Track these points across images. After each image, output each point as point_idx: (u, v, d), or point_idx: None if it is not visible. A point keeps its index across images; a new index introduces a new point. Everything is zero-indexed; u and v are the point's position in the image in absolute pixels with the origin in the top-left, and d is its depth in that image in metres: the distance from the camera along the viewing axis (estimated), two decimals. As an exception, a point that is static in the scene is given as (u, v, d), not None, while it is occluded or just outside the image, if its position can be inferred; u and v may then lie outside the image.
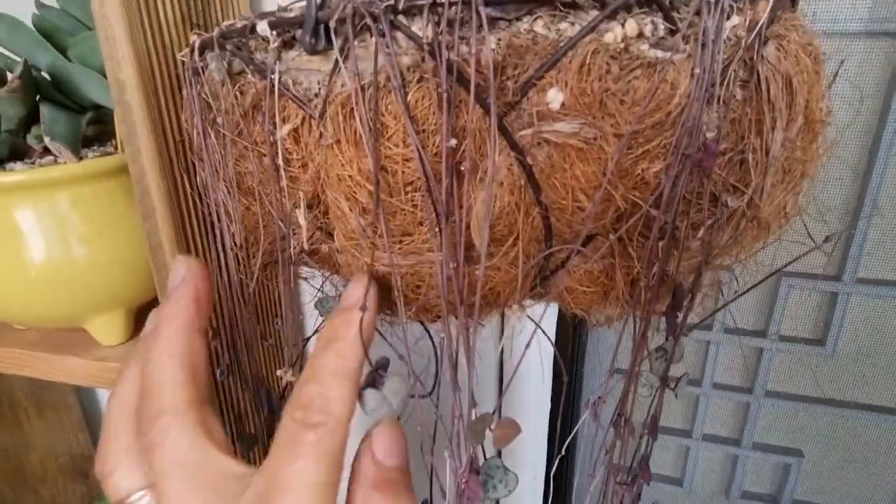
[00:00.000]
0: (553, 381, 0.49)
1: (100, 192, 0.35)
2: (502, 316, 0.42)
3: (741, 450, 0.64)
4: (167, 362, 0.18)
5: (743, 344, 0.59)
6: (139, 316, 0.41)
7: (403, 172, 0.21)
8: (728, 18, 0.20)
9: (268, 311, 0.43)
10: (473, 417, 0.22)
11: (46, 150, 0.38)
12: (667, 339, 0.24)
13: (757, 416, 0.62)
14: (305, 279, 0.32)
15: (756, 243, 0.24)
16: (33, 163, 0.37)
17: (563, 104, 0.19)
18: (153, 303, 0.41)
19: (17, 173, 0.33)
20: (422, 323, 0.29)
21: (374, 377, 0.23)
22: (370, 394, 0.23)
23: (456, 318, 0.24)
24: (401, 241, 0.23)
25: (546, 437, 0.51)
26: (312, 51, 0.21)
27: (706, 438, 0.66)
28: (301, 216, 0.25)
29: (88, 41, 0.36)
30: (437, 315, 0.27)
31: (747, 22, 0.20)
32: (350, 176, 0.21)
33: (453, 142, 0.20)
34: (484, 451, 0.24)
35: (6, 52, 0.38)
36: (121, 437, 0.18)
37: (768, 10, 0.20)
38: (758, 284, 0.26)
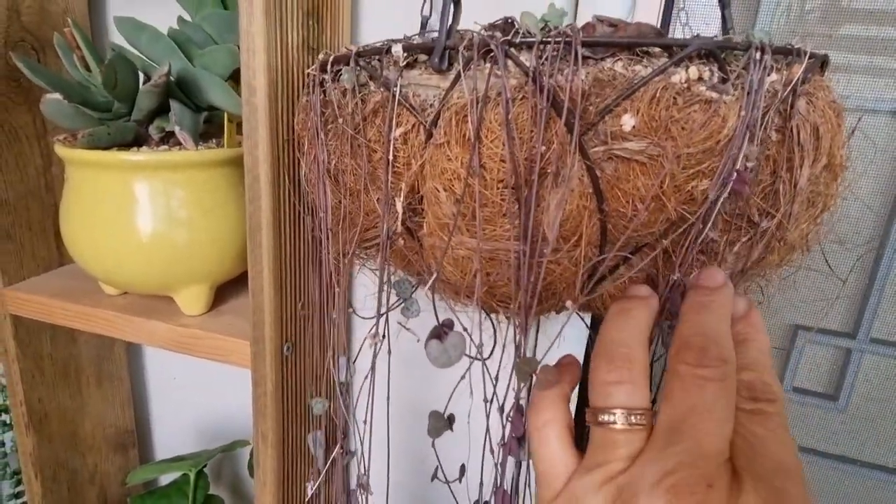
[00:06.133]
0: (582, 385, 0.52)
1: (208, 178, 0.41)
2: (538, 322, 0.46)
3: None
4: (727, 327, 0.22)
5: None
6: (219, 292, 0.46)
7: (498, 170, 0.26)
8: (769, 74, 0.25)
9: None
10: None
11: (162, 140, 0.44)
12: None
13: (768, 466, 0.64)
14: (370, 268, 0.37)
15: (781, 263, 0.29)
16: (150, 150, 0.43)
17: (633, 127, 0.24)
18: (235, 281, 0.46)
19: (147, 154, 0.39)
20: (483, 309, 0.33)
21: (439, 331, 0.28)
22: (434, 344, 0.28)
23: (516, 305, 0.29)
24: (484, 230, 0.28)
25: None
26: (438, 69, 0.26)
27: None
28: (399, 203, 0.30)
29: (214, 53, 0.43)
30: (500, 300, 0.31)
31: (784, 79, 0.25)
32: (453, 170, 0.26)
33: (542, 148, 0.25)
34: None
35: (143, 56, 0.45)
36: (643, 359, 0.22)
37: (801, 71, 0.25)
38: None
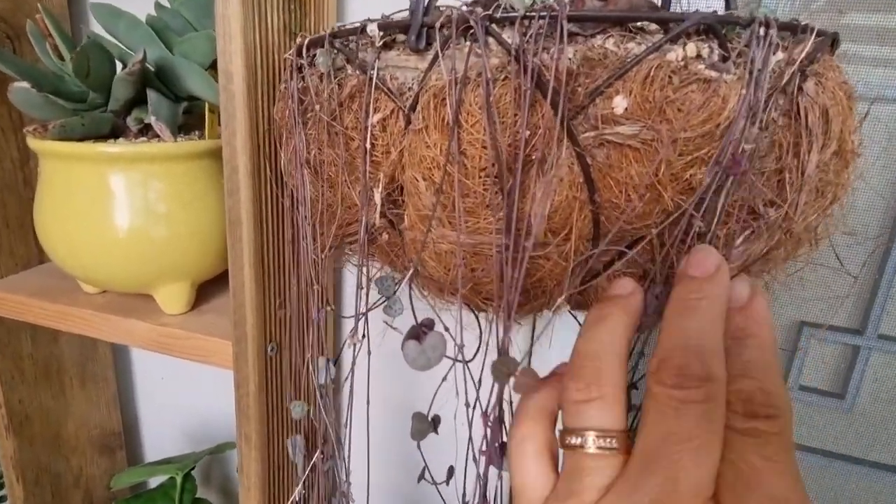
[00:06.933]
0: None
1: (188, 171, 0.39)
2: (534, 321, 0.45)
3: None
4: (717, 332, 0.18)
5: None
6: (201, 290, 0.44)
7: (480, 157, 0.24)
8: (774, 53, 0.23)
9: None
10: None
11: (140, 132, 0.43)
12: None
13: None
14: (354, 264, 0.35)
15: (787, 258, 0.27)
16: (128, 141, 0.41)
17: (626, 109, 0.22)
18: (218, 278, 0.44)
19: (122, 146, 0.38)
20: (469, 307, 0.32)
21: (418, 332, 0.26)
22: (411, 345, 0.26)
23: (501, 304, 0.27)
24: (466, 222, 0.26)
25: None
26: (416, 49, 0.24)
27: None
28: (377, 194, 0.28)
29: (193, 40, 0.41)
30: (485, 298, 0.29)
31: (790, 58, 0.23)
32: (432, 157, 0.24)
33: (526, 133, 0.23)
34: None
35: (120, 45, 0.43)
36: (615, 374, 0.19)
37: (809, 49, 0.23)
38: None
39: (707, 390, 0.17)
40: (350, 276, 0.51)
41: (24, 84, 0.36)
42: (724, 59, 0.22)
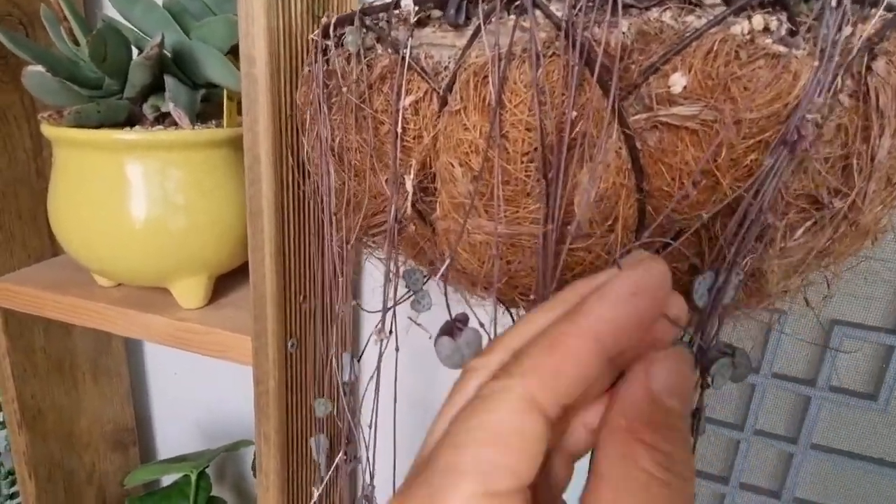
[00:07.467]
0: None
1: (206, 159, 0.38)
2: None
3: (781, 503, 0.62)
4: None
5: (790, 391, 0.58)
6: (219, 283, 0.43)
7: (523, 141, 0.22)
8: (840, 30, 0.21)
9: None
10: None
11: (157, 120, 0.41)
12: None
13: (800, 469, 0.60)
14: (377, 256, 0.34)
15: (848, 252, 0.25)
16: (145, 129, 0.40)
17: (684, 88, 0.20)
18: (236, 272, 0.43)
19: (139, 133, 0.36)
20: (503, 303, 0.30)
21: (452, 327, 0.24)
22: (445, 341, 0.24)
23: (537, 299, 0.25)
24: (505, 211, 0.24)
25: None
26: (454, 24, 0.23)
27: (744, 487, 0.64)
28: (409, 181, 0.26)
29: (212, 24, 0.40)
30: (522, 292, 0.28)
31: (859, 34, 0.22)
32: (470, 140, 0.23)
33: (574, 113, 0.21)
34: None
35: (136, 29, 0.41)
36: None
37: (879, 25, 0.22)
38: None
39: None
40: (371, 269, 0.50)
41: (39, 68, 0.35)
42: (793, 33, 0.21)
